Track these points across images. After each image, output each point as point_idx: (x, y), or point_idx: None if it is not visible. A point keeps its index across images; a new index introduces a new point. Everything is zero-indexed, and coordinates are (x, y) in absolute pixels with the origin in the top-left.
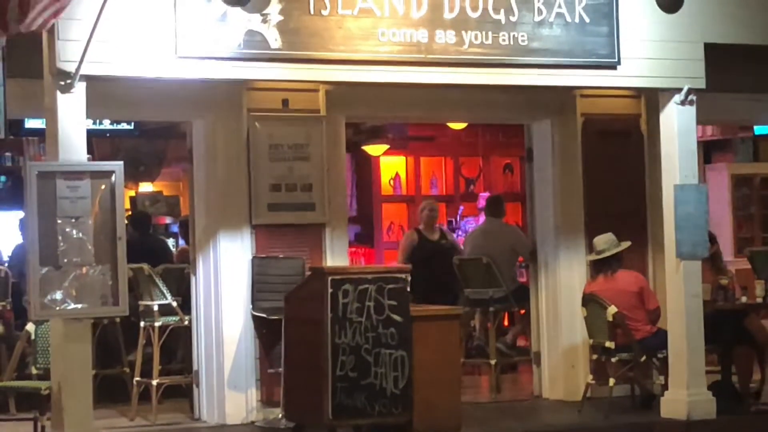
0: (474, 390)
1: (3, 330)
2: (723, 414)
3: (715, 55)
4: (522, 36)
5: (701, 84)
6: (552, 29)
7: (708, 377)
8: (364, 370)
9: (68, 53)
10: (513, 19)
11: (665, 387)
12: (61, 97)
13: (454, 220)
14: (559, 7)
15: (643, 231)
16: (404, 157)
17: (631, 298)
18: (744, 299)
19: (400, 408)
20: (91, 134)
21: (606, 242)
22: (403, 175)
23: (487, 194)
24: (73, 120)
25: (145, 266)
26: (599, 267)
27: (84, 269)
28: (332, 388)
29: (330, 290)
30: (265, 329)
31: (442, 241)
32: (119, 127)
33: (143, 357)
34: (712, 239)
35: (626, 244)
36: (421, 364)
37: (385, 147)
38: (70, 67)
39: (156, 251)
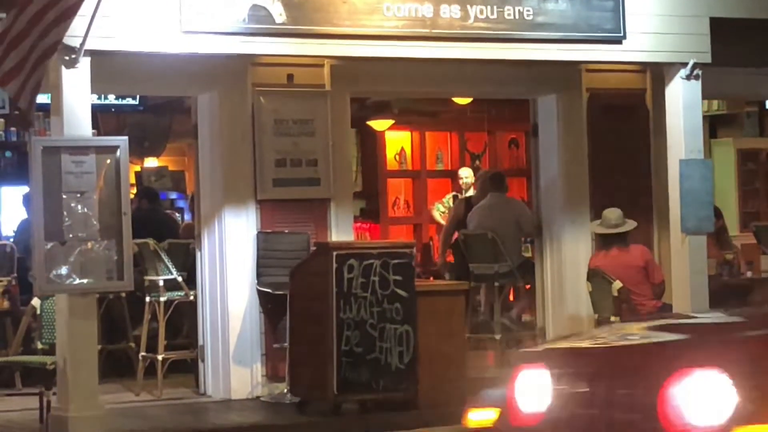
0: (479, 365)
1: (8, 305)
2: None
3: (720, 29)
4: (527, 10)
5: (707, 58)
6: (557, 3)
7: None
8: (369, 345)
9: (73, 28)
10: None
11: None
12: (65, 72)
13: (459, 194)
14: None
15: (648, 206)
16: (409, 132)
17: (637, 273)
18: (749, 274)
19: (405, 383)
20: (96, 109)
21: (618, 217)
22: (408, 151)
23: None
24: (77, 95)
25: (151, 241)
26: (607, 241)
27: (89, 244)
28: (337, 363)
29: (335, 265)
30: (270, 304)
31: None
32: (124, 102)
33: (148, 332)
34: (718, 214)
35: (634, 224)
36: (426, 339)
37: (390, 122)
38: (75, 42)
39: (164, 225)
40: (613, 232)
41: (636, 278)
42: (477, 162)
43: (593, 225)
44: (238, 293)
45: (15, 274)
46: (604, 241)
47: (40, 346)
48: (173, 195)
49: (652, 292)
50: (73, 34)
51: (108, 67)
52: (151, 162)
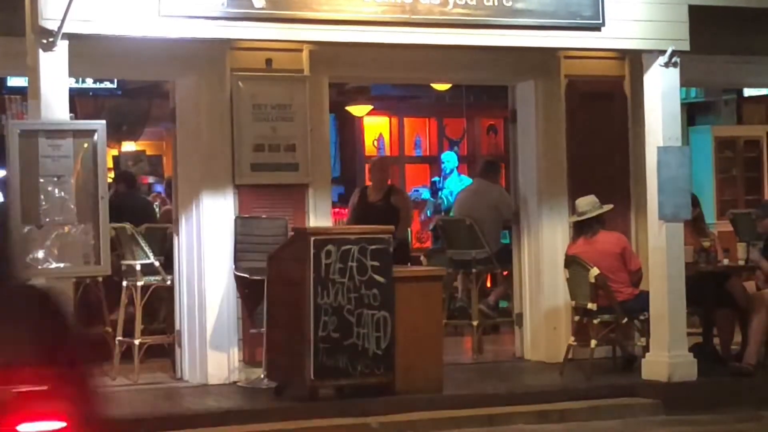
0: (456, 351)
1: None
2: (704, 376)
3: (698, 16)
4: None
5: (685, 46)
6: None
7: (689, 339)
8: (347, 331)
9: (50, 11)
10: None
11: (647, 349)
12: (43, 55)
13: (439, 180)
14: None
15: (626, 193)
16: (388, 118)
17: (614, 260)
18: (726, 262)
19: (382, 368)
20: (73, 93)
21: (588, 204)
22: (386, 136)
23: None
24: (55, 78)
25: (128, 225)
26: (581, 228)
27: (66, 228)
28: (314, 349)
29: (313, 251)
30: (247, 289)
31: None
32: (102, 86)
33: (125, 316)
34: (695, 202)
35: (608, 207)
36: (404, 325)
37: (369, 107)
38: (53, 26)
39: (141, 209)
40: (581, 219)
41: (613, 265)
42: (455, 148)
43: (577, 210)
44: (216, 278)
45: None
46: (580, 228)
47: None
48: (150, 179)
49: (629, 280)
50: (51, 17)
51: (86, 51)
52: (128, 146)
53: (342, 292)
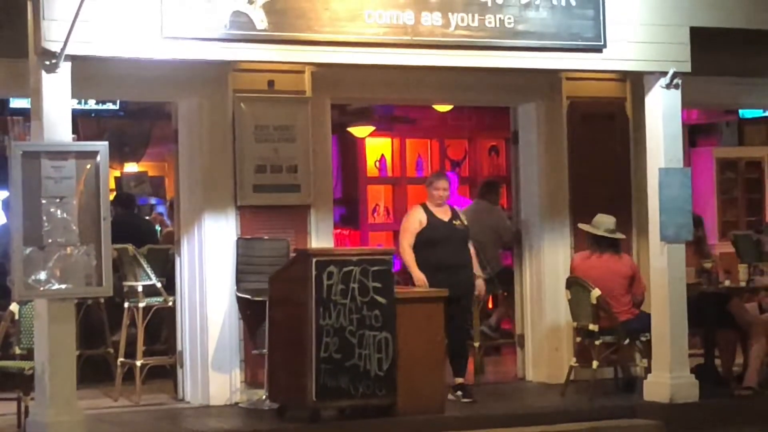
0: None
1: None
2: (706, 397)
3: (700, 38)
4: (508, 18)
5: (686, 67)
6: (538, 12)
7: (691, 360)
8: (348, 352)
9: (53, 33)
10: (499, 1)
11: (648, 370)
12: (46, 76)
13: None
14: None
15: (627, 214)
16: (390, 139)
17: (623, 281)
18: (727, 283)
19: (384, 390)
20: (76, 114)
21: (613, 223)
22: (388, 157)
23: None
24: (58, 100)
25: (130, 247)
26: (598, 244)
27: (68, 249)
28: (316, 370)
29: (314, 272)
30: (249, 310)
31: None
32: (104, 107)
33: (127, 338)
34: (699, 223)
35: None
36: (406, 346)
37: (371, 128)
38: (55, 47)
39: (142, 231)
40: (615, 237)
41: (621, 286)
42: (457, 169)
43: (587, 226)
44: (218, 299)
45: None
46: (598, 244)
47: (18, 351)
48: (153, 200)
49: (631, 302)
50: (54, 39)
51: (89, 72)
52: (130, 167)
53: (344, 313)
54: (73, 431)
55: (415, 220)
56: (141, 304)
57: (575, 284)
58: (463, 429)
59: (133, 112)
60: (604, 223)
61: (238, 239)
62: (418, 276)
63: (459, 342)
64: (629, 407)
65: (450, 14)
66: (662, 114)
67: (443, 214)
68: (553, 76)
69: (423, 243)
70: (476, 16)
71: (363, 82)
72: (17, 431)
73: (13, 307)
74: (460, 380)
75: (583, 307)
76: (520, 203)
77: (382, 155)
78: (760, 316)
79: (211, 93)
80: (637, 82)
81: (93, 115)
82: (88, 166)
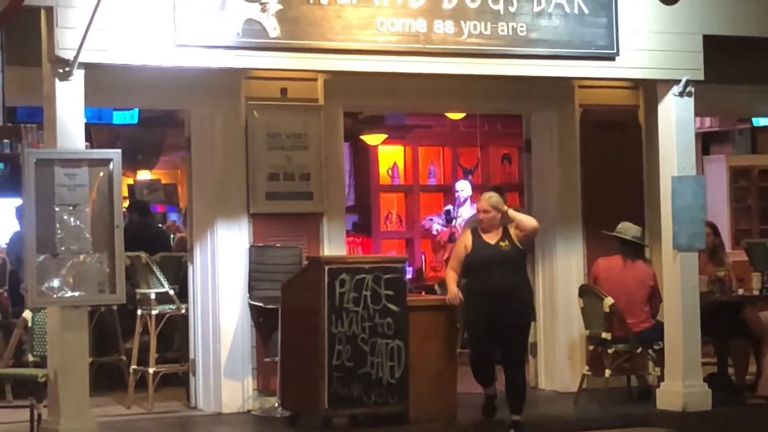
0: (470, 380)
1: (0, 317)
2: (719, 406)
3: (713, 46)
4: (521, 26)
5: (699, 75)
6: (551, 20)
7: (704, 369)
8: (361, 360)
9: (67, 41)
10: (512, 9)
11: (661, 378)
12: (59, 84)
13: (452, 208)
14: None
15: (640, 222)
16: (402, 147)
17: (644, 290)
18: (741, 291)
19: (396, 398)
20: (89, 122)
21: (639, 231)
22: (401, 165)
23: None
24: (71, 108)
25: (143, 254)
26: (630, 251)
27: (81, 257)
28: (328, 378)
29: (327, 280)
30: (261, 318)
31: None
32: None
33: (140, 345)
34: (715, 231)
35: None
36: (418, 354)
37: (384, 136)
38: (69, 55)
39: (156, 238)
40: (635, 241)
41: (640, 295)
42: (469, 177)
43: (620, 231)
44: (230, 307)
45: (6, 287)
46: (628, 250)
47: (31, 358)
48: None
49: (648, 312)
50: (67, 47)
51: (102, 80)
52: (144, 175)
53: (356, 321)
54: None
55: (461, 245)
56: (154, 312)
57: (588, 292)
58: None
59: (147, 120)
60: (634, 229)
61: (251, 247)
62: (451, 290)
63: (514, 378)
64: (642, 416)
65: (463, 22)
66: (675, 122)
67: (492, 237)
68: (565, 84)
69: (468, 268)
70: (489, 24)
71: (375, 90)
72: None
73: (27, 314)
74: (516, 417)
75: (596, 315)
76: (532, 212)
77: (395, 163)
78: None
79: (223, 101)
80: (649, 90)
81: (106, 122)
82: (102, 174)
